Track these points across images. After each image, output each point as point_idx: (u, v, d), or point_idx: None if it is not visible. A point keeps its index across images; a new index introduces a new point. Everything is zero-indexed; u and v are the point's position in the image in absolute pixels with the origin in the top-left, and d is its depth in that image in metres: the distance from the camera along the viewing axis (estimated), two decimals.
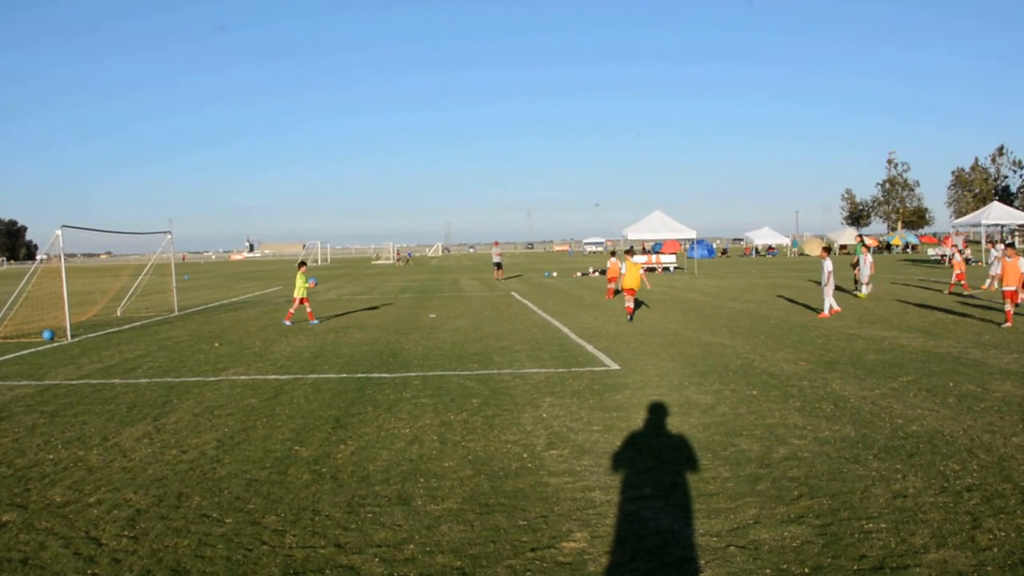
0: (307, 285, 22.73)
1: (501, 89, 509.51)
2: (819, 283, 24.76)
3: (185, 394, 12.31)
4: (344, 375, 13.68)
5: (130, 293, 30.79)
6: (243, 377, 13.72)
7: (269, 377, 13.66)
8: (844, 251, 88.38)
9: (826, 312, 21.71)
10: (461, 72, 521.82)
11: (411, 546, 5.94)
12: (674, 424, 9.52)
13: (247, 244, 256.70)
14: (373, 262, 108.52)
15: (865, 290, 28.86)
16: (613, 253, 34.12)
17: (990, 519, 6.15)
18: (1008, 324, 18.10)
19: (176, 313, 27.79)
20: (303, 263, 24.15)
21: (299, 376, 13.67)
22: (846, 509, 6.45)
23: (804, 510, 6.44)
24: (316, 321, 22.98)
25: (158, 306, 30.21)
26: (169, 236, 30.05)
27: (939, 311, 22.28)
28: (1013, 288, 18.72)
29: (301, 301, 22.69)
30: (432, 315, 24.46)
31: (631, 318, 21.47)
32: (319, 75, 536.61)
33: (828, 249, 23.78)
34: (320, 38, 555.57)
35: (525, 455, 8.37)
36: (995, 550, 5.57)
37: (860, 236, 46.98)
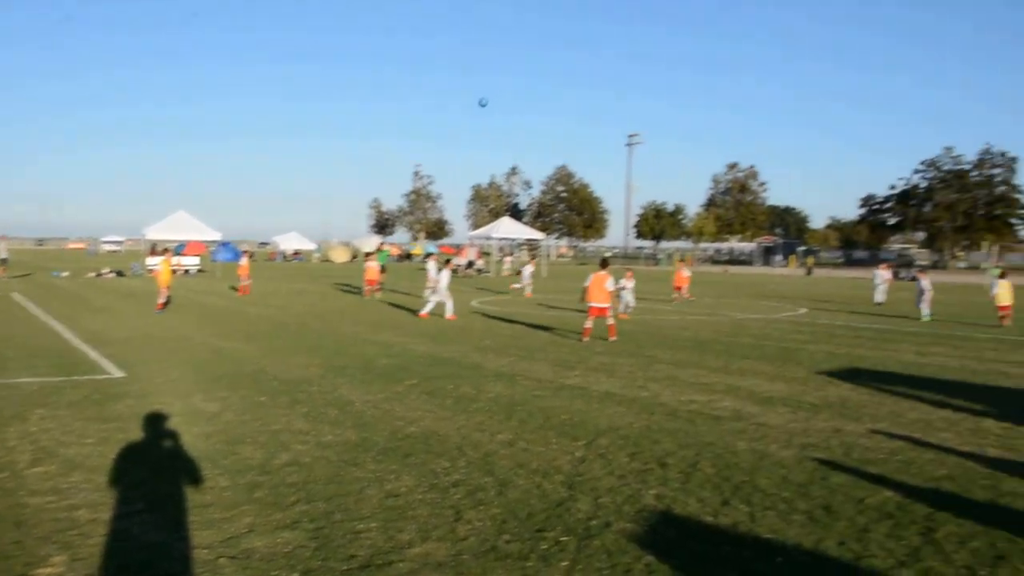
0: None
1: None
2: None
3: None
4: None
5: None
6: None
7: None
8: (369, 257, 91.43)
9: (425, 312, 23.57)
10: None
11: None
12: (176, 433, 9.15)
13: None
14: None
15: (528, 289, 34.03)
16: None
17: (471, 511, 6.64)
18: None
19: None
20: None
21: None
22: (340, 511, 6.61)
23: (300, 515, 6.50)
24: None
25: None
26: None
27: (468, 317, 23.76)
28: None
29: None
30: None
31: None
32: None
33: (455, 270, 25.86)
34: None
35: (4, 474, 7.55)
36: (471, 539, 6.01)
37: (383, 243, 49.66)
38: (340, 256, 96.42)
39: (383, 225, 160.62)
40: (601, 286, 18.21)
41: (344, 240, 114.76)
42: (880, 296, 31.53)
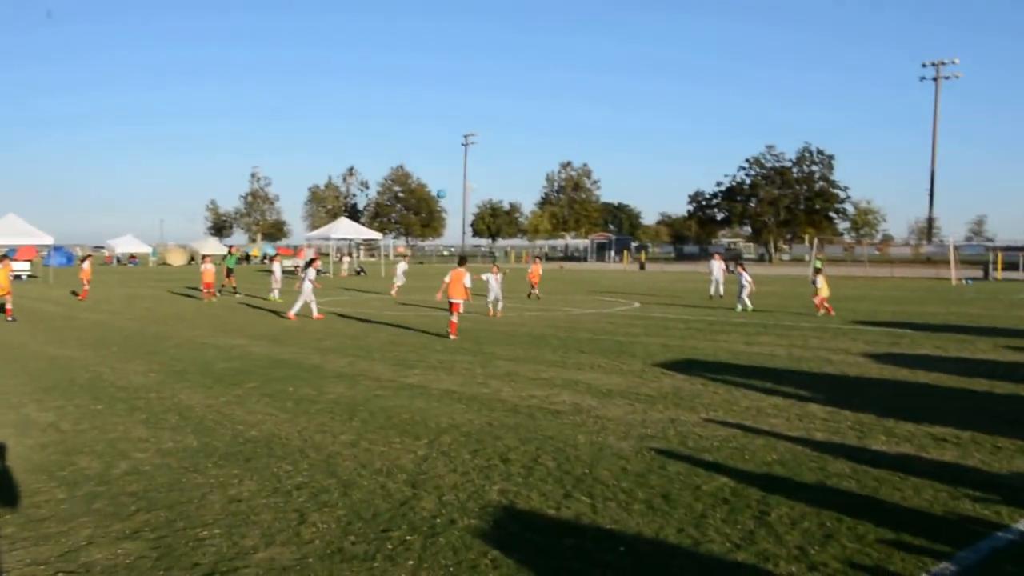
0: None
1: None
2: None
3: None
4: None
5: None
6: None
7: None
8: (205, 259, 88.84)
9: (292, 314, 23.45)
10: None
11: None
12: (7, 446, 8.81)
13: None
14: None
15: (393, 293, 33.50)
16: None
17: (315, 514, 6.66)
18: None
19: None
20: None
21: None
22: (182, 519, 6.53)
23: (141, 525, 6.40)
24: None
25: None
26: None
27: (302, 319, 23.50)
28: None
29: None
30: None
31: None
32: None
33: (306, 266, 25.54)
34: None
35: None
36: (317, 542, 6.04)
37: (233, 247, 48.63)
38: (177, 259, 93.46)
39: (220, 227, 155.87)
40: (459, 282, 18.82)
41: (181, 243, 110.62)
42: (716, 288, 32.81)
